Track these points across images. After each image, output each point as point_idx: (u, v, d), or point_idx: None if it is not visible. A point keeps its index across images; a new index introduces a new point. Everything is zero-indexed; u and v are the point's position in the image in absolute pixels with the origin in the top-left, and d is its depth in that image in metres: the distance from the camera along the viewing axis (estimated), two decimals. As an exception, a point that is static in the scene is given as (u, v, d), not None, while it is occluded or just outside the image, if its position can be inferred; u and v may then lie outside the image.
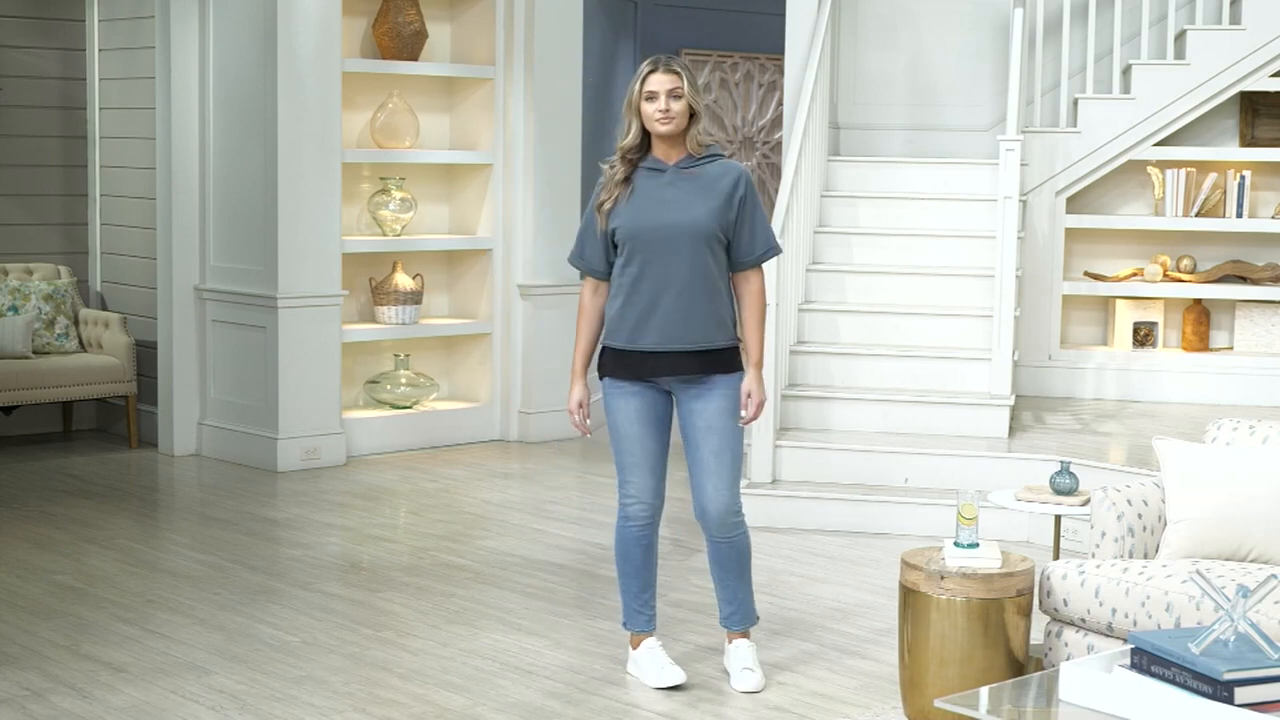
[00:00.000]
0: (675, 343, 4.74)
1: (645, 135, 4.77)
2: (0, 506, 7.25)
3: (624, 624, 5.04)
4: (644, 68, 4.75)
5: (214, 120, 8.33)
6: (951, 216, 8.24)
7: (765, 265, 5.18)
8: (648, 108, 4.71)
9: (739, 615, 4.96)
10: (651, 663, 4.94)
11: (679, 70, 4.71)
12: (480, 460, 8.48)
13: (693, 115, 4.74)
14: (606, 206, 4.77)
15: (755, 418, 4.83)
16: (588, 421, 4.88)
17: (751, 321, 4.84)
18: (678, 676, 4.88)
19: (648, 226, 4.72)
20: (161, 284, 8.48)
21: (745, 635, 4.99)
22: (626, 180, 4.77)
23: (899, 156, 8.73)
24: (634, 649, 5.01)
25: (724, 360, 4.79)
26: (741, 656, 4.94)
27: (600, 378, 4.88)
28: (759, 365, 4.81)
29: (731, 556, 4.89)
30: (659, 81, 4.70)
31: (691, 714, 4.72)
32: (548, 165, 8.88)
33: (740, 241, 4.80)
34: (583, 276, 4.92)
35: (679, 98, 4.70)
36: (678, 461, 5.09)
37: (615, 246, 4.79)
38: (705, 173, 4.77)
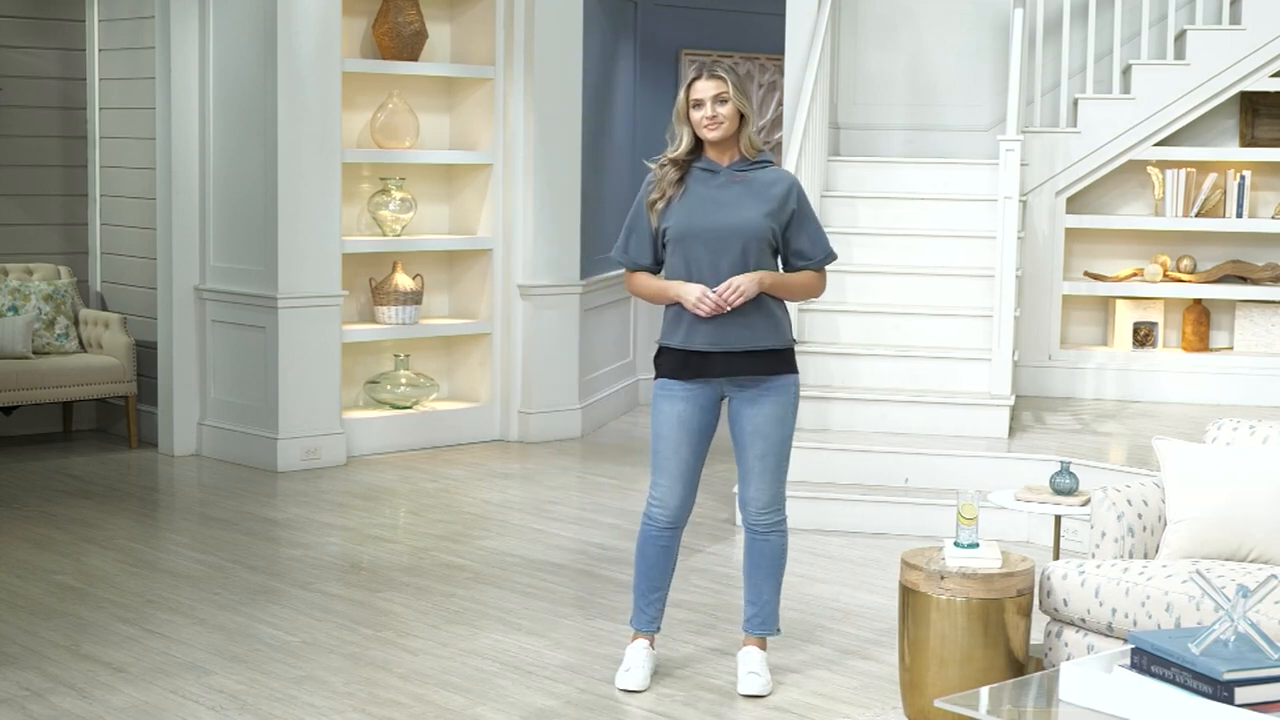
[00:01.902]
0: (728, 343, 4.75)
1: (697, 140, 4.78)
2: (0, 506, 7.25)
3: (630, 620, 5.05)
4: (689, 74, 4.80)
5: (214, 120, 8.33)
6: (951, 216, 8.24)
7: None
8: (695, 115, 4.73)
9: (759, 618, 4.95)
10: (625, 660, 4.97)
11: (723, 75, 4.72)
12: (480, 460, 8.47)
13: (742, 119, 4.75)
14: (660, 205, 4.77)
15: (723, 299, 4.66)
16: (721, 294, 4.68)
17: (797, 274, 4.82)
18: (633, 682, 4.88)
19: (699, 227, 4.74)
20: (161, 284, 8.48)
21: (760, 643, 4.97)
22: (680, 180, 4.78)
23: (899, 156, 8.73)
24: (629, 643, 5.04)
25: (778, 361, 4.81)
26: (750, 661, 4.93)
27: (655, 377, 4.89)
28: (764, 277, 4.73)
29: (765, 553, 4.91)
30: (704, 88, 4.72)
31: (690, 713, 4.72)
32: (548, 165, 8.88)
33: (800, 249, 4.82)
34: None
35: (725, 102, 4.71)
36: (711, 464, 5.08)
37: (665, 245, 4.81)
38: (758, 178, 4.79)
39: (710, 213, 4.74)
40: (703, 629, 5.51)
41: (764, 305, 4.78)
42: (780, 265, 4.88)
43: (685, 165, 4.79)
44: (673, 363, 4.82)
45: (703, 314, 4.70)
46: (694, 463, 4.86)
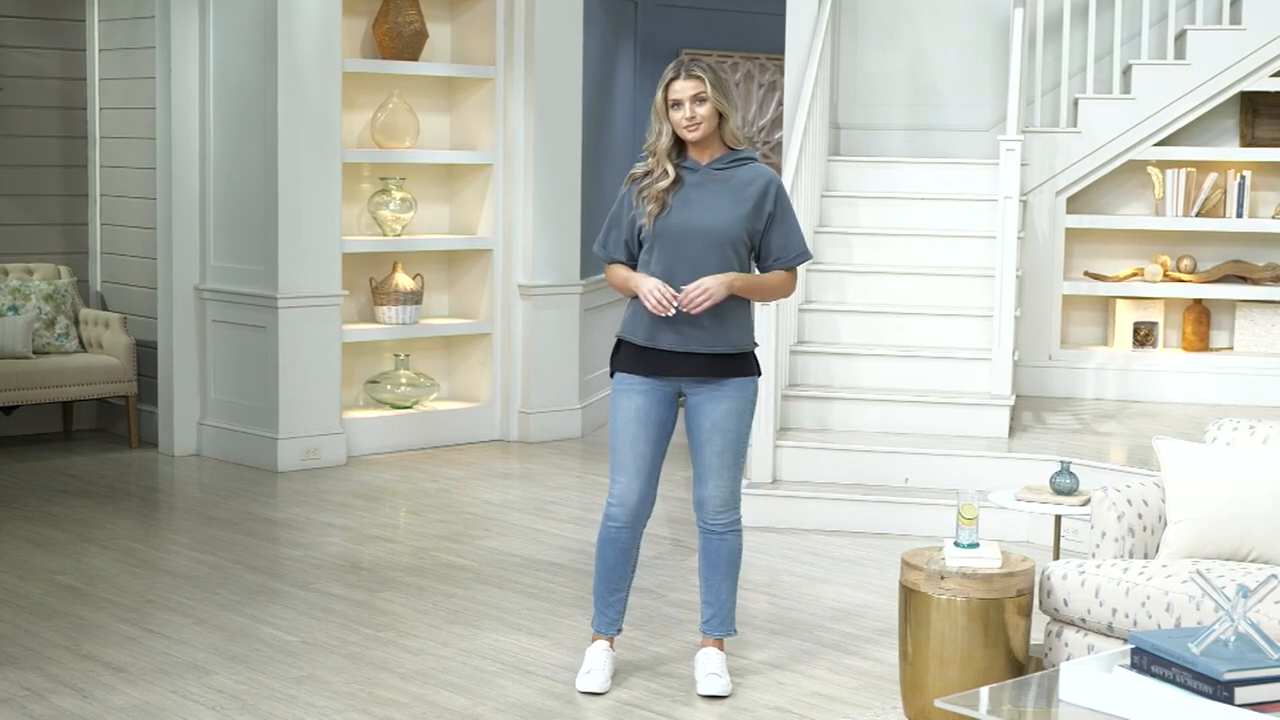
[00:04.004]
0: (692, 344, 4.72)
1: (678, 135, 4.73)
2: (0, 506, 7.25)
3: (591, 622, 5.03)
4: (668, 73, 4.71)
5: (214, 120, 8.33)
6: (951, 216, 8.24)
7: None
8: (675, 115, 4.68)
9: (718, 619, 4.92)
10: (585, 662, 4.93)
11: (701, 75, 4.67)
12: (480, 460, 8.48)
13: (721, 116, 4.71)
14: (655, 211, 4.70)
15: (689, 299, 4.62)
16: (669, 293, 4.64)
17: (767, 275, 4.78)
18: (594, 684, 4.85)
19: (672, 225, 4.71)
20: (161, 284, 8.48)
21: (719, 645, 4.94)
22: (672, 186, 4.71)
23: (899, 156, 8.72)
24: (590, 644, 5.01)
25: (739, 363, 4.78)
26: (709, 662, 4.89)
27: (611, 373, 4.87)
28: (734, 279, 4.68)
29: (721, 552, 4.87)
30: (682, 89, 4.67)
31: (690, 713, 4.72)
32: (548, 165, 8.88)
33: (771, 246, 4.78)
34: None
35: (704, 102, 4.66)
36: (676, 463, 5.08)
37: (641, 243, 4.78)
38: (737, 176, 4.75)
39: (684, 212, 4.70)
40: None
41: (729, 308, 4.73)
42: (754, 264, 4.82)
43: (676, 172, 4.72)
44: (633, 358, 4.79)
45: (649, 306, 4.64)
46: (653, 459, 4.82)
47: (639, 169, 4.81)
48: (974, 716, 3.63)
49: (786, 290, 4.88)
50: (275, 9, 7.95)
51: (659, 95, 4.71)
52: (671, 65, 4.74)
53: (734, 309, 4.75)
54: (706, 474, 4.81)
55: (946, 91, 8.88)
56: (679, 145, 4.75)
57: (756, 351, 4.86)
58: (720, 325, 4.73)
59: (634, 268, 4.83)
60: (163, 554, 6.48)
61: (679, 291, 4.65)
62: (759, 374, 4.84)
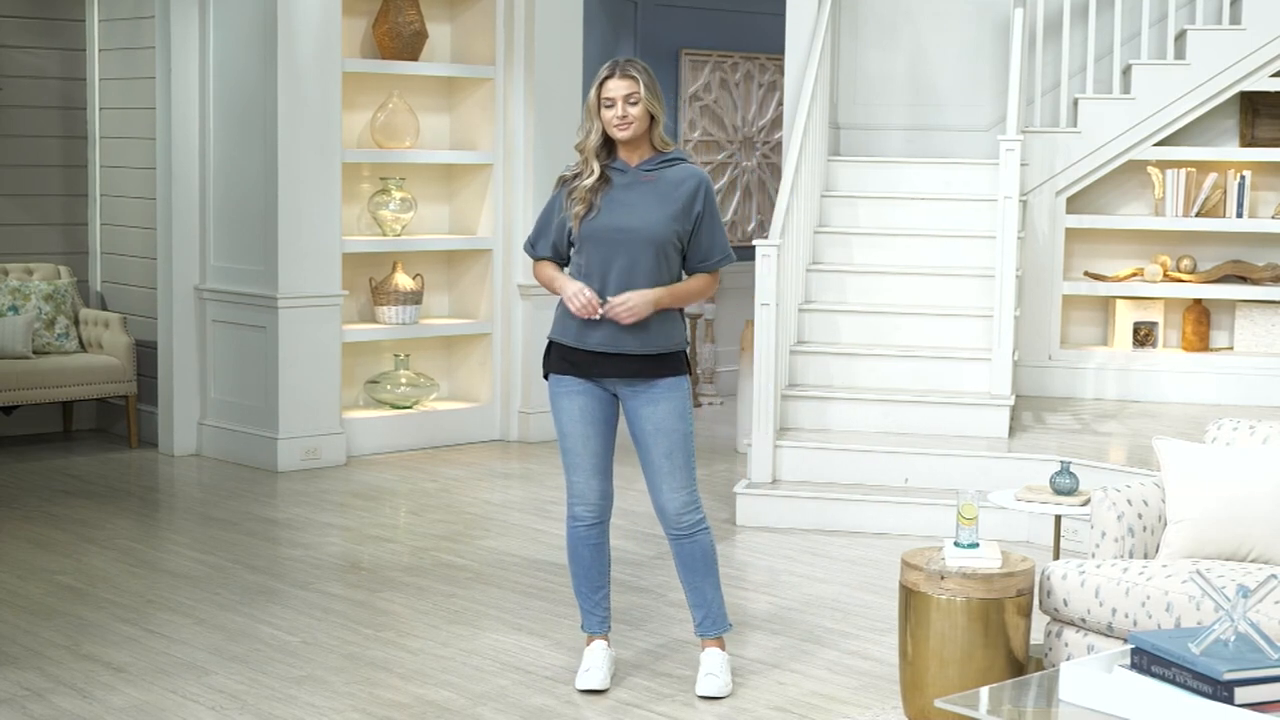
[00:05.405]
0: (621, 345, 4.73)
1: (607, 135, 4.74)
2: (0, 506, 7.25)
3: (581, 625, 5.03)
4: (601, 72, 4.73)
5: (214, 120, 8.34)
6: (951, 216, 8.24)
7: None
8: (606, 114, 4.69)
9: (710, 619, 4.91)
10: (584, 661, 4.94)
11: (635, 75, 4.68)
12: (480, 460, 8.48)
13: (652, 118, 4.72)
14: (581, 212, 4.72)
15: (614, 312, 4.66)
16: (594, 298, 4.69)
17: (689, 282, 4.80)
18: (593, 682, 4.86)
19: (603, 227, 4.71)
20: (161, 284, 8.48)
21: (718, 644, 4.93)
22: (598, 186, 4.73)
23: (899, 156, 8.72)
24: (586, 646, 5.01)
25: (669, 363, 4.78)
26: (709, 662, 4.89)
27: (545, 375, 4.89)
28: (661, 297, 4.71)
29: (695, 554, 4.86)
30: (615, 88, 4.67)
31: (690, 713, 4.72)
32: (548, 165, 8.87)
33: (698, 248, 4.79)
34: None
35: (636, 103, 4.67)
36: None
37: (572, 245, 4.80)
38: (666, 177, 4.75)
39: (615, 214, 4.71)
40: (703, 629, 5.50)
41: (659, 311, 4.74)
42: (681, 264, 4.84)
43: (601, 170, 4.73)
44: (564, 359, 4.80)
45: (573, 309, 4.69)
46: (604, 454, 4.84)
47: (569, 171, 4.82)
48: (974, 716, 3.63)
49: (708, 293, 4.89)
50: (275, 9, 7.95)
51: (592, 93, 4.72)
52: (606, 65, 4.75)
53: (663, 311, 4.75)
54: (660, 479, 4.80)
55: (946, 91, 8.88)
56: (609, 146, 4.76)
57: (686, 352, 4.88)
58: (651, 327, 4.73)
59: (563, 267, 4.86)
60: (163, 554, 6.49)
61: (604, 300, 4.68)
62: (688, 373, 4.85)
